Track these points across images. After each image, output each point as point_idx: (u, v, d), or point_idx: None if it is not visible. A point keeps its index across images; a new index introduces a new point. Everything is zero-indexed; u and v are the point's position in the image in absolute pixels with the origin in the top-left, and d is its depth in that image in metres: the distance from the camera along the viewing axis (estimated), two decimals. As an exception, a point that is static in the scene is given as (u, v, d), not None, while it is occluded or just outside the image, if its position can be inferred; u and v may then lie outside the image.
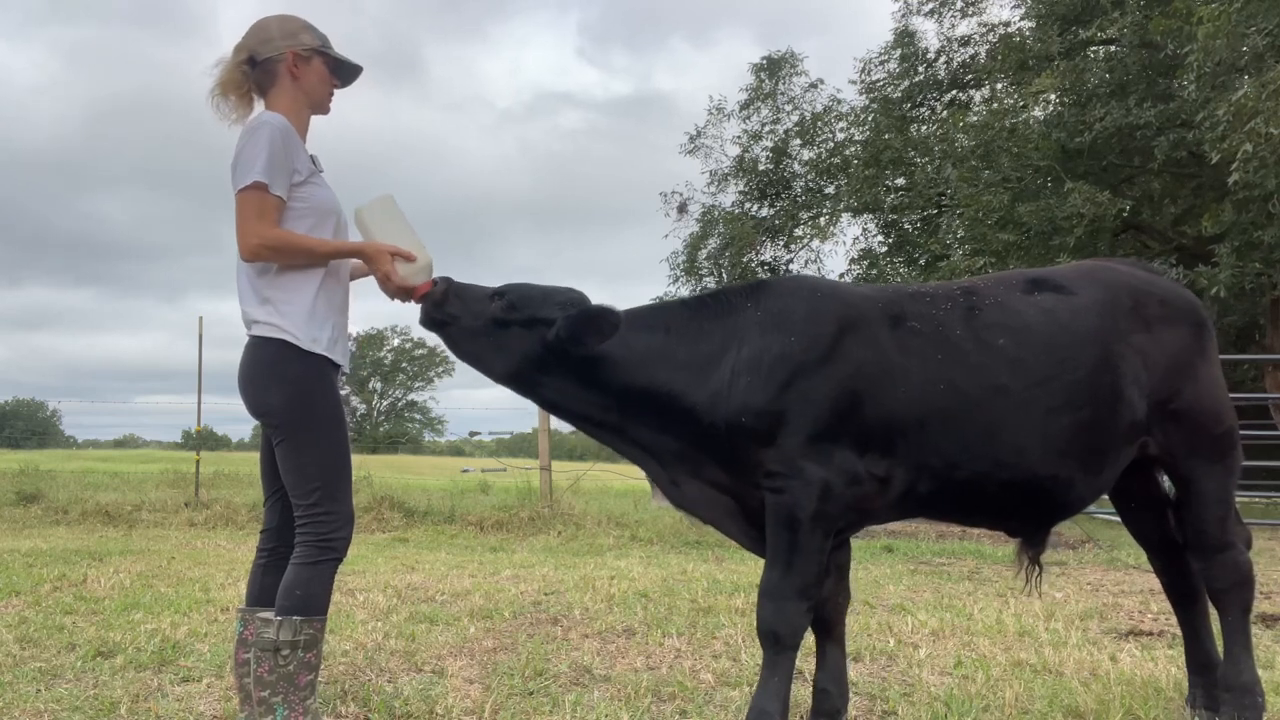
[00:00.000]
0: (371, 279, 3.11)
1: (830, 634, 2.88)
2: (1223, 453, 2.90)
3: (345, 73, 2.99)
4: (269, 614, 2.69)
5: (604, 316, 2.66)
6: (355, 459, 3.01)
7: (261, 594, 2.88)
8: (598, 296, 2.87)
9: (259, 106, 2.90)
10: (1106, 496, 3.15)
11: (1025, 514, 2.90)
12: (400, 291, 2.86)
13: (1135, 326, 2.84)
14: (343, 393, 2.95)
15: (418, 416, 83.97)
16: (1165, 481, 3.14)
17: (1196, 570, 3.00)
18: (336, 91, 3.00)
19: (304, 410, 2.72)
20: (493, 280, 2.95)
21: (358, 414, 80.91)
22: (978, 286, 2.91)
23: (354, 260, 3.04)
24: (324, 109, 2.97)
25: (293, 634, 2.65)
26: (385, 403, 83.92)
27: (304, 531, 2.71)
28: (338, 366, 2.84)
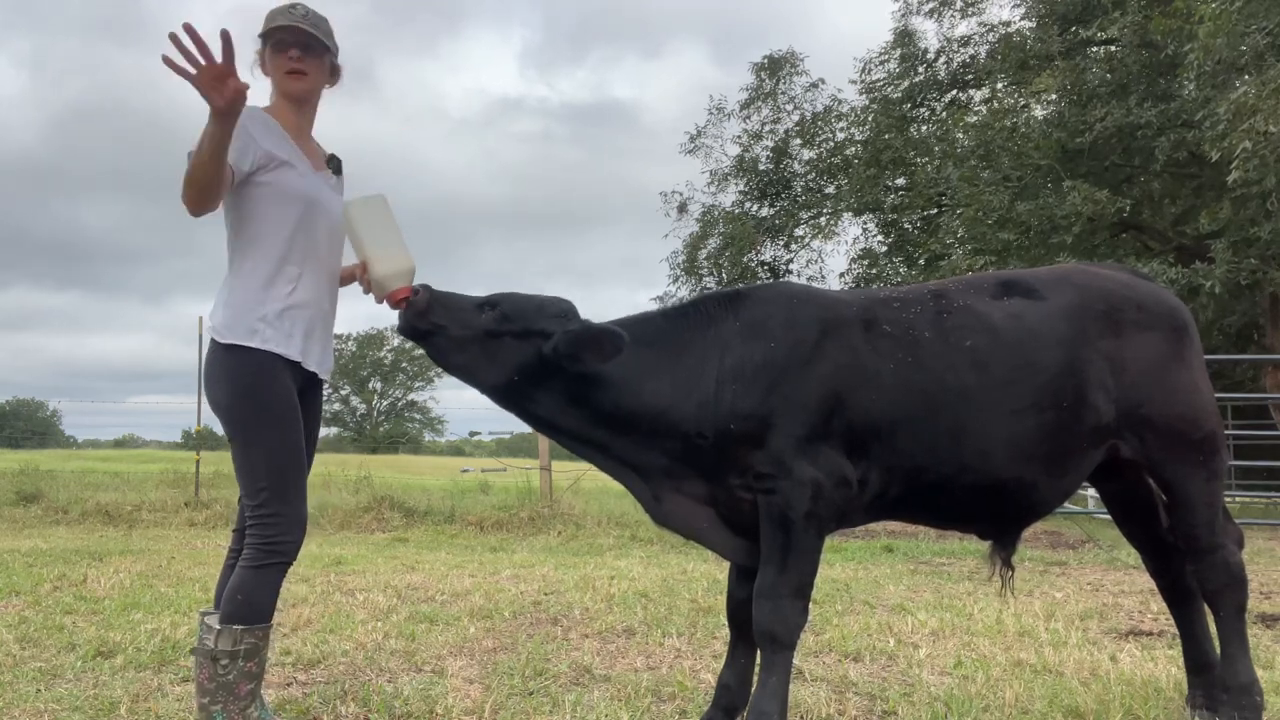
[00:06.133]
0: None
1: (744, 633, 2.87)
2: (1204, 457, 2.89)
3: (295, 42, 2.77)
4: (218, 618, 2.63)
5: (608, 338, 2.62)
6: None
7: None
8: (570, 298, 2.86)
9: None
10: (1100, 499, 3.15)
11: (992, 516, 2.91)
12: (373, 287, 2.77)
13: (1105, 331, 2.83)
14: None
15: (418, 416, 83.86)
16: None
17: (1189, 572, 3.00)
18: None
19: (245, 407, 2.65)
20: (473, 285, 2.90)
21: (358, 414, 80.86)
22: (947, 290, 2.92)
23: (345, 264, 3.00)
24: (285, 90, 2.82)
25: (232, 643, 2.59)
26: (385, 403, 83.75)
27: (251, 533, 2.65)
28: (292, 364, 2.73)
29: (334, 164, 3.00)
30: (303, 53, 2.79)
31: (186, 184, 2.49)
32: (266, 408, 2.66)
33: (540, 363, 2.70)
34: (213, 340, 2.72)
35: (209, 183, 2.47)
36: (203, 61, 2.27)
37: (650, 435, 2.72)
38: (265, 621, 2.67)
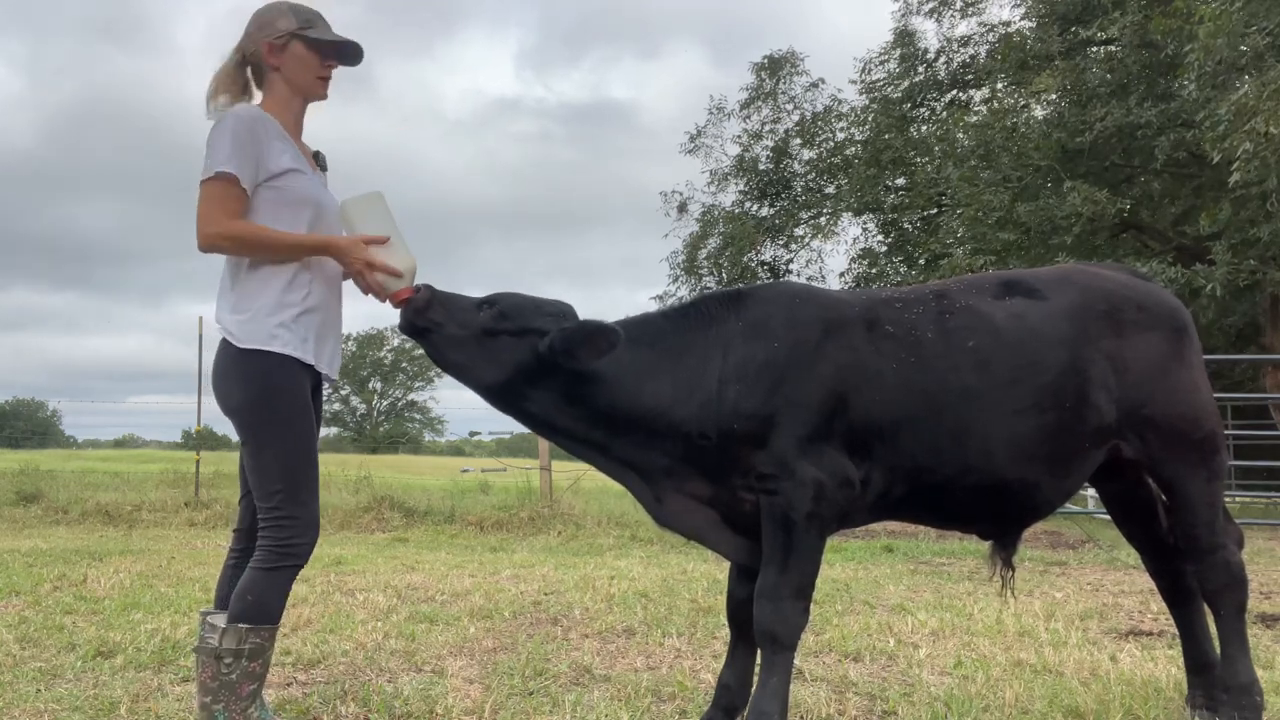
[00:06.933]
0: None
1: (744, 633, 2.87)
2: (1204, 457, 2.89)
3: (339, 52, 2.83)
4: (222, 618, 2.63)
5: (602, 334, 2.62)
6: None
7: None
8: (567, 297, 2.86)
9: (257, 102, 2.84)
10: (1100, 499, 3.15)
11: (994, 516, 2.91)
12: (379, 290, 2.75)
13: (1107, 331, 2.83)
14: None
15: (418, 416, 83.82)
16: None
17: (1189, 572, 3.00)
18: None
19: (260, 410, 2.65)
20: (472, 286, 2.90)
21: (358, 414, 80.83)
22: (949, 290, 2.92)
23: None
24: (314, 94, 2.85)
25: (236, 642, 2.59)
26: (385, 403, 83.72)
27: (264, 535, 2.66)
28: (306, 366, 2.73)
29: (320, 161, 2.99)
30: (337, 63, 2.86)
31: (234, 240, 2.62)
32: (281, 410, 2.66)
33: (536, 361, 2.69)
34: (226, 344, 2.69)
35: (255, 256, 2.68)
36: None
37: (651, 436, 2.71)
38: (273, 623, 2.67)
